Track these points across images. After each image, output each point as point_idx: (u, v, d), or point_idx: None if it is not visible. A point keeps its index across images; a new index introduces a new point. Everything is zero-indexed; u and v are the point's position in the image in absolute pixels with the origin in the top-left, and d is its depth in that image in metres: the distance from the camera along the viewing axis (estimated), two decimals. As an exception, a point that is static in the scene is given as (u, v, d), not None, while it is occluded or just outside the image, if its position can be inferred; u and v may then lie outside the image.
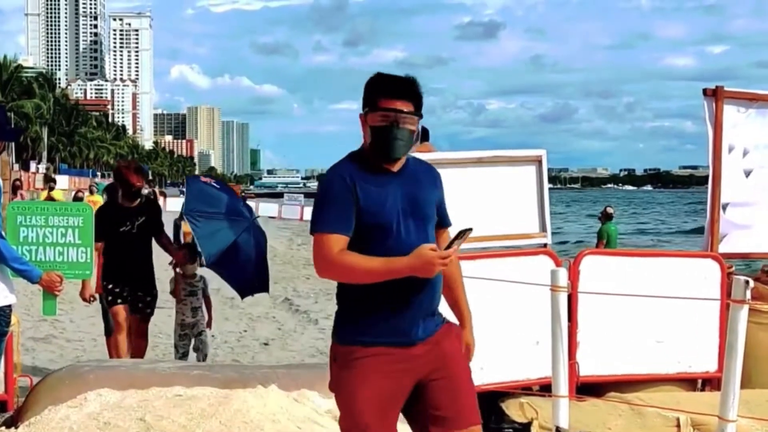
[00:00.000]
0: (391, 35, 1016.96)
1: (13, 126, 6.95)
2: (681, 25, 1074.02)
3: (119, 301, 9.01)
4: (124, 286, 9.00)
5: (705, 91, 8.67)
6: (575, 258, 7.79)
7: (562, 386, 6.52)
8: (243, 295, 9.85)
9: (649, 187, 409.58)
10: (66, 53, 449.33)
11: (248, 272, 9.39)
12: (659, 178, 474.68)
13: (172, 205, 44.28)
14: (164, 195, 53.57)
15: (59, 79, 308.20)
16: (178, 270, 9.83)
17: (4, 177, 6.20)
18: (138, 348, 9.13)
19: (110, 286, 9.03)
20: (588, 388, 7.66)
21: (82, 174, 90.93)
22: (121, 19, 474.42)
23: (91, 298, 9.12)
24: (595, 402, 7.46)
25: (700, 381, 8.25)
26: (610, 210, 19.92)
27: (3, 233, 5.78)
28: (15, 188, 25.33)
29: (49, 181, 34.49)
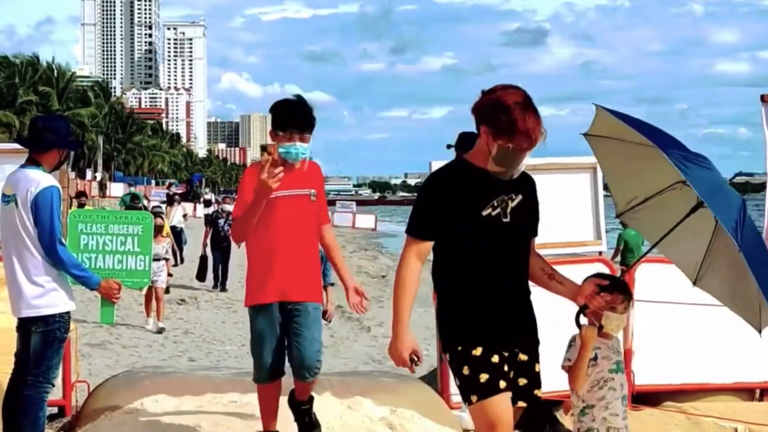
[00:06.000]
0: (438, 42, 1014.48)
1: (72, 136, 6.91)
2: (734, 30, 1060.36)
3: (500, 385, 4.34)
4: (502, 344, 4.42)
5: (763, 98, 8.58)
6: (630, 266, 7.74)
7: (618, 395, 6.47)
8: None
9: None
10: (121, 62, 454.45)
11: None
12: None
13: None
14: (218, 203, 53.97)
15: (114, 87, 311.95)
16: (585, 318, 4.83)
17: (62, 185, 6.28)
18: None
19: (474, 352, 4.36)
20: (643, 398, 7.61)
21: (137, 182, 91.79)
22: (175, 29, 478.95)
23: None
24: (650, 411, 7.41)
25: (758, 391, 8.16)
26: None
27: (63, 240, 5.87)
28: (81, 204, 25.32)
29: (102, 188, 34.35)
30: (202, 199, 50.64)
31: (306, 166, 5.79)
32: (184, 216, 27.41)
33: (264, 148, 5.49)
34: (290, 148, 5.69)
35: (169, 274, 16.43)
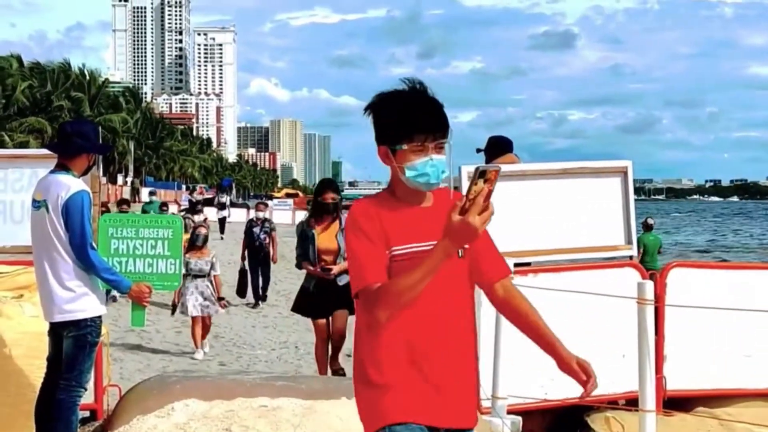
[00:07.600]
0: (466, 46, 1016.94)
1: (101, 141, 6.93)
2: (766, 32, 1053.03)
3: None
4: None
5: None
6: (662, 270, 7.69)
7: (649, 400, 6.42)
8: None
9: (735, 198, 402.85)
10: (152, 68, 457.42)
11: None
12: (746, 189, 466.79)
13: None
14: (247, 207, 54.02)
15: (145, 93, 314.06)
16: None
17: (93, 190, 6.31)
18: None
19: None
20: (675, 403, 7.54)
21: (167, 186, 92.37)
22: (205, 34, 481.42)
23: None
24: (683, 417, 7.34)
25: (792, 397, 8.06)
26: (650, 221, 21.53)
27: (94, 245, 5.90)
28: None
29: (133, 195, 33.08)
30: (216, 202, 46.10)
31: (432, 199, 3.50)
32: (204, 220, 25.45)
33: (483, 174, 3.07)
34: (425, 167, 3.36)
35: (221, 298, 13.91)
